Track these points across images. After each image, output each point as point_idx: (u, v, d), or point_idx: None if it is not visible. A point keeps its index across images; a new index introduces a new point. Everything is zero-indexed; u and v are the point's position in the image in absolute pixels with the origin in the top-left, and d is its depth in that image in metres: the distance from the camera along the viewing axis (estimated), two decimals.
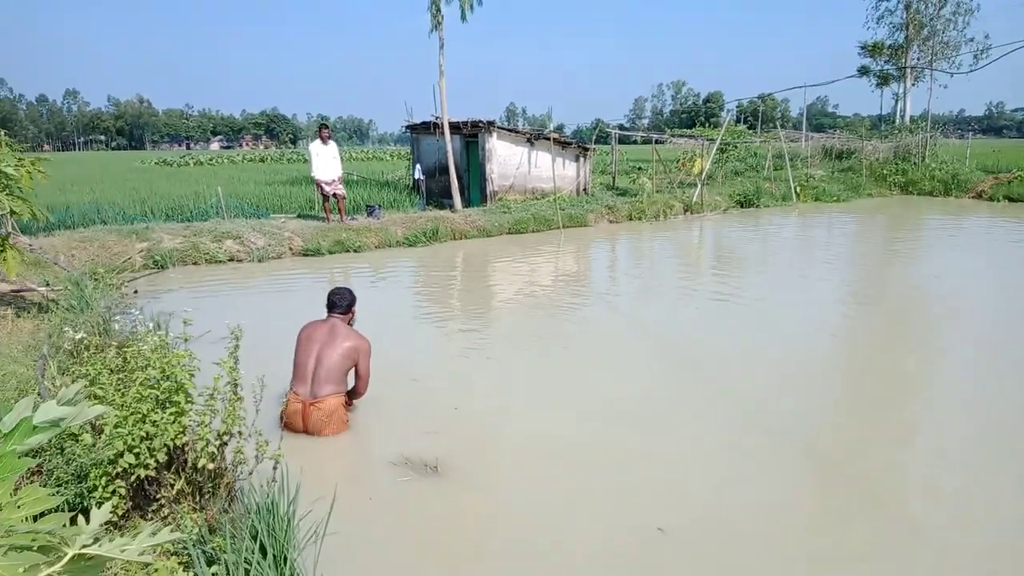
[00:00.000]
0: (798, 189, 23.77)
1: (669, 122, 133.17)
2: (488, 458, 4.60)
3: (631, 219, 18.35)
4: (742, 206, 21.78)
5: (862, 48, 38.04)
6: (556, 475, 4.36)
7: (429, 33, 16.88)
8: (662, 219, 18.84)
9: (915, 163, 27.61)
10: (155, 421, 3.15)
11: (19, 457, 1.51)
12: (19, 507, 1.34)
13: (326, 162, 14.05)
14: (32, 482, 2.98)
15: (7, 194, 6.47)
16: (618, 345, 7.31)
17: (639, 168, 23.48)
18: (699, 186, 20.73)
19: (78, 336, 3.31)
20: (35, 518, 1.43)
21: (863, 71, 38.88)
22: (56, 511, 1.43)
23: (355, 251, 13.29)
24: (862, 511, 3.96)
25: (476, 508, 3.98)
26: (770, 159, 26.19)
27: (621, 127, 28.59)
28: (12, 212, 6.69)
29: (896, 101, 40.20)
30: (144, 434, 3.09)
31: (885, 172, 27.08)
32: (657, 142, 24.59)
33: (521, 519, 3.89)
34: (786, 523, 3.85)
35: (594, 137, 23.04)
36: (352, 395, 5.10)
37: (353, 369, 5.01)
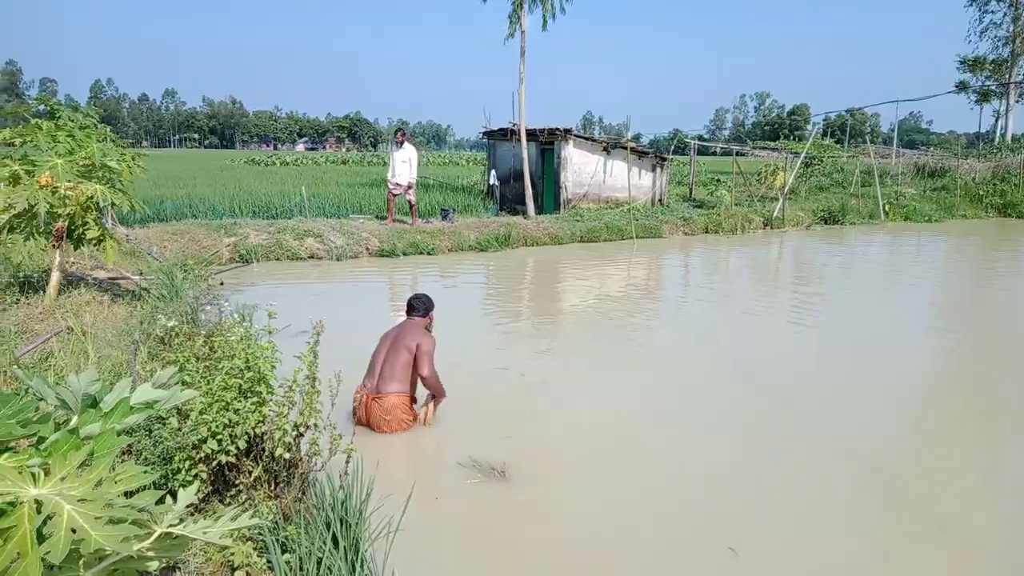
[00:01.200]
0: (887, 207, 22.76)
1: (751, 134, 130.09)
2: (556, 466, 4.56)
3: (707, 232, 17.97)
4: (826, 222, 21.01)
5: (961, 62, 36.24)
6: (625, 486, 4.29)
7: (506, 40, 17.05)
8: (740, 233, 18.37)
9: (1015, 184, 26.01)
10: (238, 409, 3.27)
11: (117, 435, 1.59)
12: (117, 482, 1.41)
13: (396, 165, 14.48)
14: (125, 460, 3.13)
15: (109, 186, 6.86)
16: (691, 360, 7.15)
17: (718, 180, 22.95)
18: (781, 200, 20.12)
19: (170, 324, 3.47)
20: (129, 494, 1.49)
21: (961, 86, 37.00)
22: (147, 489, 1.50)
23: (428, 253, 13.49)
24: (941, 548, 3.74)
25: (541, 516, 3.96)
26: (858, 175, 25.19)
27: (700, 138, 28.07)
28: (113, 204, 7.10)
29: (996, 119, 38.07)
30: (227, 421, 3.21)
31: (982, 193, 25.61)
32: (738, 154, 24.01)
33: (585, 530, 3.84)
34: (862, 555, 3.67)
35: (672, 147, 22.71)
36: (426, 388, 5.15)
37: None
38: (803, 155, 22.29)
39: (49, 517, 1.27)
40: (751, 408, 5.73)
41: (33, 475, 1.36)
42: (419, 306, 5.32)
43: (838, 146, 31.49)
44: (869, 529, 3.92)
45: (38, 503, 1.30)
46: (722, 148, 27.09)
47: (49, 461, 1.48)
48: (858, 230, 20.35)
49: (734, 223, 18.52)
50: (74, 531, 1.25)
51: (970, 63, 34.95)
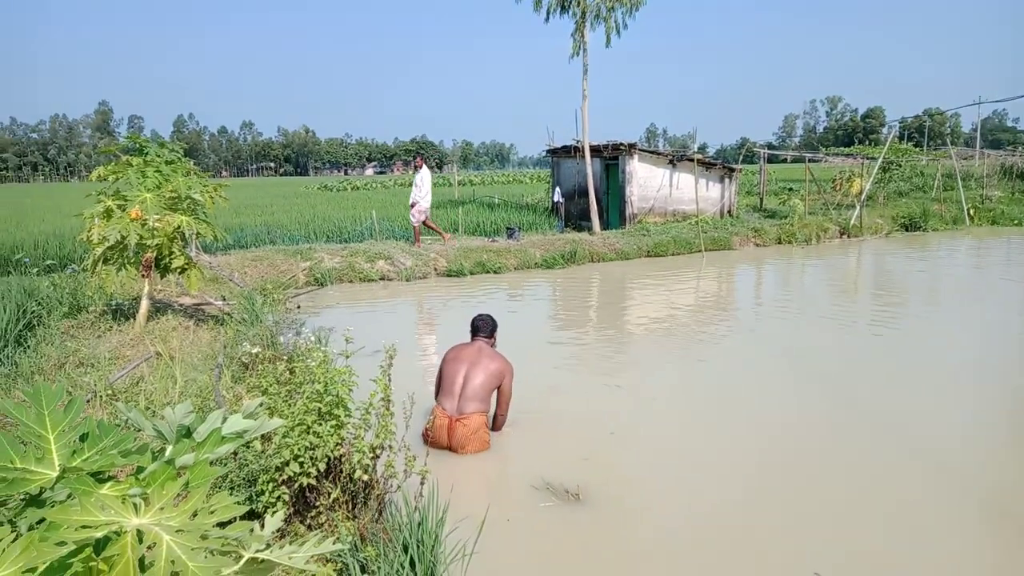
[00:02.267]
0: (971, 211, 21.65)
1: (823, 140, 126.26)
2: (632, 489, 4.48)
3: (780, 242, 17.49)
4: (907, 229, 20.15)
5: None
6: (703, 510, 4.18)
7: (570, 59, 17.16)
8: (815, 243, 17.79)
9: None
10: (318, 432, 3.35)
11: (211, 465, 1.65)
12: (211, 512, 1.46)
13: (413, 191, 14.70)
14: (216, 487, 3.25)
15: (193, 217, 7.21)
16: (769, 379, 6.93)
17: (790, 189, 22.32)
18: (858, 208, 19.40)
19: (254, 350, 3.60)
20: (221, 524, 1.55)
21: None
22: (237, 518, 1.55)
23: (495, 272, 13.59)
24: None
25: (616, 540, 3.89)
26: (939, 178, 24.05)
27: (770, 146, 27.38)
28: (198, 234, 7.44)
29: None
30: (308, 444, 3.29)
31: None
32: (811, 160, 23.30)
33: (662, 554, 3.75)
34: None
35: (740, 157, 22.24)
36: (495, 419, 5.19)
37: (496, 390, 5.11)
38: (880, 159, 21.44)
39: (149, 547, 1.32)
40: (833, 429, 5.50)
41: (135, 505, 1.43)
42: (484, 327, 5.34)
43: (917, 149, 30.17)
44: (967, 555, 3.69)
45: (139, 532, 1.36)
46: (793, 156, 26.29)
47: (147, 491, 1.55)
48: (941, 236, 19.43)
49: (808, 233, 17.96)
50: (172, 561, 1.30)
51: None
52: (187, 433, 1.73)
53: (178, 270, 7.39)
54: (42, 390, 1.73)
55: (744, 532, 3.91)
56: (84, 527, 1.33)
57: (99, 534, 1.33)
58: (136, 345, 6.40)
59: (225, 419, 1.75)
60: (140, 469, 1.66)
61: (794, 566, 3.54)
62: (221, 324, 7.87)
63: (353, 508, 3.76)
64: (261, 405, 1.97)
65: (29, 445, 1.61)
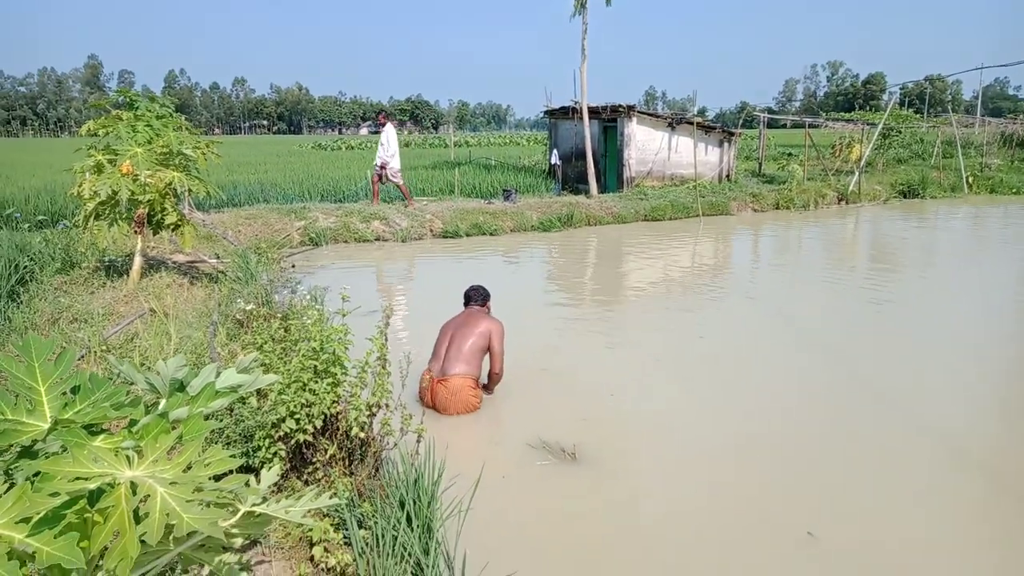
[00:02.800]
0: (970, 179, 21.57)
1: (823, 105, 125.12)
2: (628, 448, 4.51)
3: (778, 208, 17.42)
4: (905, 196, 20.08)
5: None
6: (698, 469, 4.21)
7: (571, 17, 16.80)
8: (813, 208, 17.72)
9: None
10: (314, 390, 3.35)
11: (204, 419, 1.63)
12: (206, 465, 1.44)
13: (378, 149, 14.15)
14: (211, 442, 3.24)
15: (186, 173, 7.10)
16: (764, 341, 6.95)
17: (790, 154, 22.12)
18: (856, 174, 19.29)
19: (248, 307, 3.56)
20: (216, 477, 1.53)
21: None
22: (232, 472, 1.54)
23: (491, 234, 13.51)
24: None
25: (611, 498, 3.92)
26: (939, 146, 23.89)
27: (769, 110, 27.11)
28: (190, 191, 7.34)
29: None
30: (304, 401, 3.29)
31: None
32: (811, 126, 23.09)
33: (658, 513, 3.79)
34: (950, 544, 3.50)
35: (740, 121, 22.02)
36: (490, 378, 5.21)
37: (488, 351, 5.12)
38: (880, 126, 21.26)
39: (143, 499, 1.31)
40: (828, 391, 5.54)
41: (128, 457, 1.41)
42: (476, 296, 5.40)
43: (917, 116, 29.91)
44: (958, 519, 3.74)
45: (133, 485, 1.34)
46: (793, 120, 26.05)
47: (141, 444, 1.53)
48: (939, 204, 19.39)
49: (806, 199, 17.88)
50: (167, 513, 1.28)
51: None
52: (180, 387, 1.71)
53: (171, 227, 7.31)
54: (32, 343, 1.70)
55: (740, 492, 3.95)
56: (77, 479, 1.31)
57: (92, 486, 1.31)
58: (130, 301, 6.36)
59: (219, 373, 1.73)
60: (133, 422, 1.64)
61: (789, 525, 3.59)
62: (215, 282, 7.82)
63: (350, 465, 3.77)
64: (255, 360, 1.94)
65: (20, 397, 1.58)
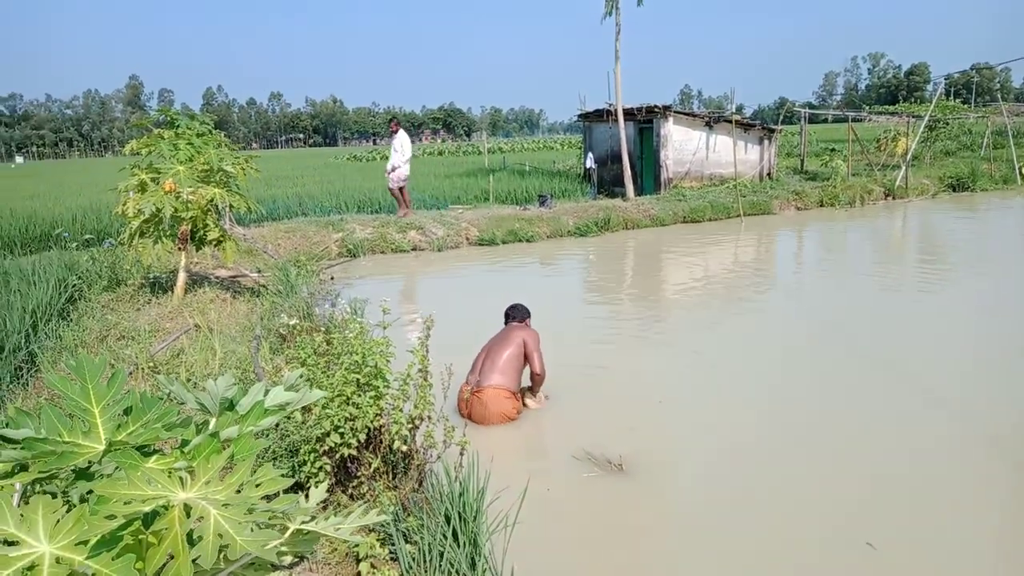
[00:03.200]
0: (1023, 170, 20.83)
1: (865, 98, 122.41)
2: (675, 459, 4.42)
3: (822, 205, 17.05)
4: (954, 190, 19.48)
5: None
6: (749, 480, 4.11)
7: (603, 19, 16.73)
8: (859, 205, 17.30)
9: None
10: (358, 404, 3.35)
11: (255, 438, 1.63)
12: (257, 486, 1.43)
13: (392, 156, 13.65)
14: (259, 458, 3.26)
15: (226, 189, 7.23)
16: (813, 346, 6.78)
17: (833, 150, 21.64)
18: (903, 168, 18.78)
19: (292, 322, 3.60)
20: (267, 496, 1.53)
21: None
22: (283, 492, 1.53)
23: (527, 241, 13.48)
24: None
25: (660, 511, 3.85)
26: (989, 136, 23.13)
27: (810, 105, 26.59)
28: (231, 206, 7.48)
29: None
30: (348, 415, 3.29)
31: None
32: (854, 120, 22.57)
33: (709, 526, 3.70)
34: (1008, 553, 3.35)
35: (780, 118, 21.64)
36: (533, 380, 5.19)
37: (525, 359, 5.11)
38: (927, 118, 20.68)
39: (197, 521, 1.30)
40: (881, 398, 5.36)
41: (181, 479, 1.41)
42: (516, 314, 5.46)
43: (965, 106, 29.03)
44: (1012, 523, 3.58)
45: (186, 507, 1.34)
46: (834, 115, 25.47)
47: (192, 464, 1.53)
48: (991, 197, 18.76)
49: (852, 195, 17.46)
50: (220, 535, 1.28)
51: None
52: (230, 406, 1.71)
53: (213, 242, 7.44)
54: (85, 363, 1.72)
55: (787, 501, 3.84)
56: (133, 501, 1.32)
57: (147, 508, 1.31)
58: (175, 317, 6.49)
59: (267, 391, 1.73)
60: (185, 442, 1.65)
61: (846, 539, 3.47)
62: (257, 296, 7.94)
63: (393, 478, 3.77)
64: (301, 376, 1.94)
65: (75, 419, 1.60)
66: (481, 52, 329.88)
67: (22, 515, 1.37)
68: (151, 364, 4.74)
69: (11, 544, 1.31)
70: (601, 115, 19.32)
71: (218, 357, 5.10)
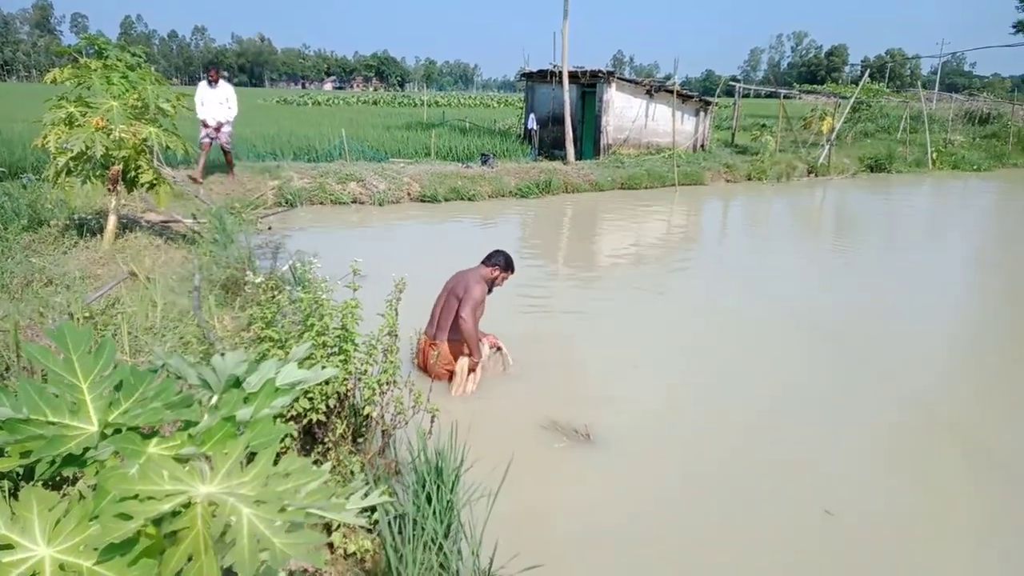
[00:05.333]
0: (934, 155, 21.94)
1: (786, 75, 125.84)
2: (637, 426, 4.46)
3: (750, 179, 17.48)
4: (872, 170, 20.34)
5: (1021, 0, 34.20)
6: (706, 444, 4.19)
7: None
8: (784, 181, 17.84)
9: None
10: (326, 367, 3.18)
11: (273, 422, 1.48)
12: (286, 476, 1.30)
13: (211, 108, 11.40)
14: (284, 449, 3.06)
15: (162, 129, 6.73)
16: (754, 315, 6.96)
17: (763, 125, 22.16)
18: (827, 147, 19.43)
19: (257, 280, 3.37)
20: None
21: (1020, 27, 35.01)
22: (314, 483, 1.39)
23: (469, 199, 13.29)
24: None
25: (634, 481, 3.87)
26: (906, 120, 24.19)
27: (734, 79, 27.05)
28: (167, 148, 6.98)
29: None
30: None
31: None
32: (785, 97, 23.12)
33: (671, 495, 3.76)
34: (944, 513, 3.55)
35: (718, 90, 21.94)
36: (471, 354, 5.00)
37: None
38: (852, 99, 21.40)
39: (227, 522, 1.16)
40: (832, 363, 5.58)
41: (199, 470, 1.26)
42: (492, 256, 5.14)
43: (887, 90, 30.23)
44: (947, 487, 3.80)
45: (211, 503, 1.20)
46: (768, 91, 26.02)
47: (202, 450, 1.38)
48: (905, 179, 19.70)
49: (779, 171, 17.97)
50: (257, 539, 1.14)
51: None
52: (236, 383, 1.55)
53: (146, 185, 6.94)
54: (68, 331, 1.52)
55: (747, 467, 3.94)
56: (150, 497, 1.16)
57: (167, 507, 1.16)
58: (106, 264, 6.05)
59: (279, 370, 1.57)
60: (188, 424, 1.48)
61: (805, 503, 3.60)
62: (192, 243, 7.51)
63: (355, 442, 3.65)
64: (310, 347, 1.79)
65: (60, 396, 1.41)
66: (418, 1, 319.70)
67: (13, 513, 1.19)
68: (87, 314, 4.39)
69: (4, 548, 1.13)
70: (545, 76, 19.05)
71: (159, 309, 4.78)
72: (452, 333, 4.88)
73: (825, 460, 4.14)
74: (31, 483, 1.39)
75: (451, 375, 4.92)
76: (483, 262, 5.16)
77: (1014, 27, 35.26)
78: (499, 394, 4.90)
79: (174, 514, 1.19)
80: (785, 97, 23.38)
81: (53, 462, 1.36)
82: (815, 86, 28.01)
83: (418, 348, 5.11)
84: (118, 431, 1.38)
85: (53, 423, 1.36)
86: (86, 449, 1.33)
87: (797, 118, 23.43)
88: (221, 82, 11.64)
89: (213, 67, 11.74)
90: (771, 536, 3.40)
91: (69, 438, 1.32)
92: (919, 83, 29.25)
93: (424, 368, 4.99)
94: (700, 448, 4.22)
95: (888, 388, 5.19)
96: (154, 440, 1.41)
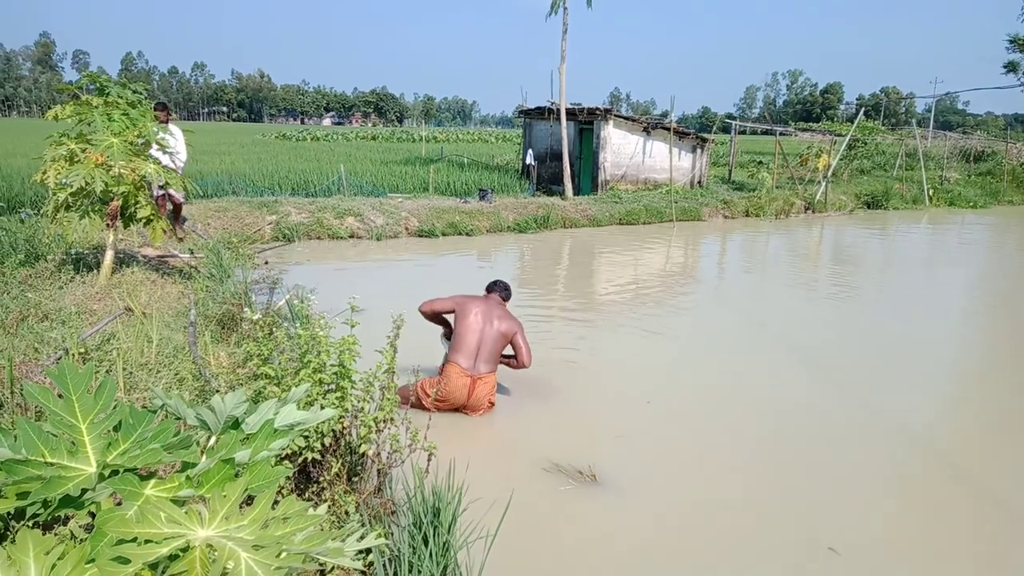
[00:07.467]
0: (930, 192, 22.17)
1: (782, 113, 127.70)
2: (643, 465, 4.41)
3: (747, 215, 17.61)
4: (869, 207, 20.52)
5: (1011, 42, 34.83)
6: (712, 489, 4.15)
7: (548, 16, 16.74)
8: (782, 217, 17.98)
9: None
10: (323, 405, 3.17)
11: (272, 464, 1.48)
12: (284, 520, 1.29)
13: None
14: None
15: (160, 165, 6.78)
16: (755, 353, 6.96)
17: (759, 162, 22.43)
18: (824, 184, 19.63)
19: (255, 317, 3.37)
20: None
21: (1010, 67, 35.59)
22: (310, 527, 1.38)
23: (467, 234, 13.36)
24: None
25: (642, 522, 3.83)
26: (902, 158, 24.51)
27: (730, 116, 27.47)
28: (167, 184, 7.03)
29: None
30: None
31: None
32: (781, 134, 23.43)
33: (693, 533, 3.71)
34: (947, 551, 3.51)
35: (715, 128, 22.23)
36: (511, 365, 5.22)
37: (510, 346, 5.13)
38: (848, 137, 21.69)
39: (225, 566, 1.15)
40: (816, 395, 5.56)
41: (198, 513, 1.25)
42: (500, 287, 5.38)
43: (883, 128, 30.69)
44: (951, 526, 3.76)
45: (209, 547, 1.19)
46: (764, 129, 26.38)
47: (199, 492, 1.37)
48: (902, 215, 19.86)
49: (776, 207, 18.11)
50: None
51: (1021, 43, 33.58)
52: (235, 424, 1.55)
53: (143, 221, 6.98)
54: (68, 370, 1.52)
55: (751, 506, 3.90)
56: (148, 541, 1.15)
57: (166, 550, 1.15)
58: (102, 299, 6.04)
59: (278, 410, 1.57)
60: (186, 465, 1.48)
61: (810, 541, 3.57)
62: (188, 278, 7.52)
63: (350, 481, 3.61)
64: (307, 389, 1.79)
65: (59, 437, 1.40)
66: (417, 38, 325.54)
67: (9, 557, 1.18)
68: (82, 350, 4.38)
69: None
70: (542, 112, 19.33)
71: (155, 345, 4.77)
72: (494, 366, 4.98)
73: (829, 497, 4.10)
74: (21, 523, 1.38)
75: (492, 404, 5.02)
76: (501, 295, 5.35)
77: (1005, 67, 35.80)
78: (498, 432, 4.87)
79: (172, 558, 1.19)
80: (781, 134, 23.69)
81: (49, 503, 1.35)
82: (811, 124, 28.39)
83: (456, 383, 4.83)
84: (116, 472, 1.37)
85: (51, 464, 1.35)
86: (84, 491, 1.32)
87: (793, 155, 23.73)
88: (169, 124, 9.13)
89: (161, 106, 9.14)
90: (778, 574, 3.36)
91: (67, 479, 1.32)
92: (914, 121, 29.70)
93: (464, 405, 4.90)
94: (705, 488, 4.17)
95: (891, 424, 5.17)
96: (152, 481, 1.41)
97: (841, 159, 21.89)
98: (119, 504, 1.35)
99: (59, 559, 1.17)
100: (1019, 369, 6.83)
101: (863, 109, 23.82)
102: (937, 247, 15.60)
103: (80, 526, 1.85)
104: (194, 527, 1.21)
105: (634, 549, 3.54)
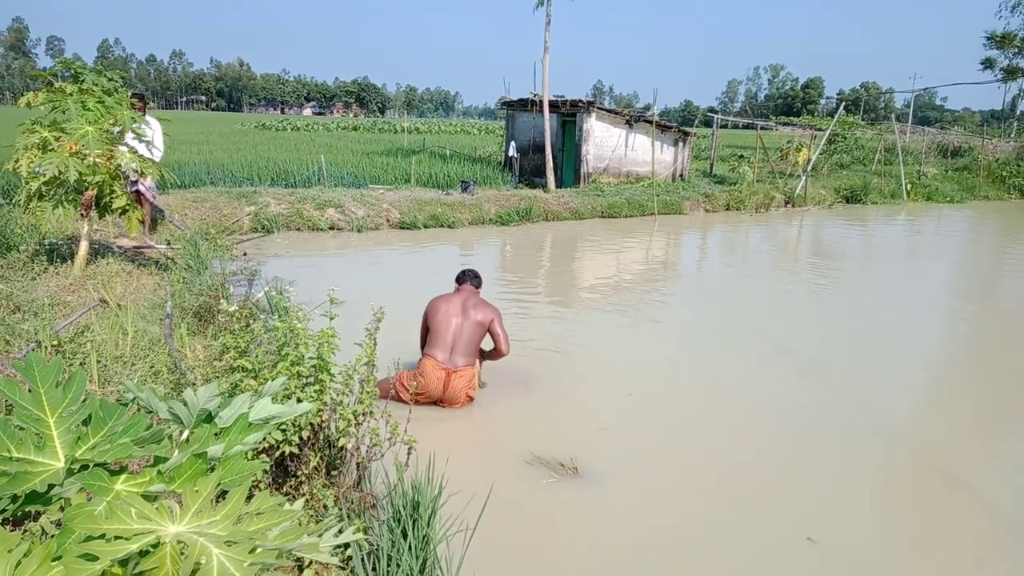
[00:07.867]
0: (908, 187, 22.43)
1: (763, 107, 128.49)
2: (624, 457, 4.43)
3: (728, 209, 17.71)
4: (848, 201, 20.72)
5: (988, 38, 35.26)
6: (693, 479, 4.18)
7: (535, 8, 16.67)
8: (763, 211, 18.10)
9: None
10: (301, 398, 3.14)
11: (247, 459, 1.45)
12: (258, 516, 1.27)
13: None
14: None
15: (136, 154, 6.68)
16: (735, 348, 7.00)
17: (741, 156, 22.55)
18: (803, 178, 19.79)
19: (231, 309, 3.32)
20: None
21: (987, 64, 36.05)
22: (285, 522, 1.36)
23: (449, 227, 13.31)
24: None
25: (625, 514, 3.84)
26: (880, 152, 24.76)
27: (711, 110, 27.57)
28: (142, 174, 6.92)
29: (1016, 97, 37.30)
30: None
31: (1004, 174, 25.25)
32: (762, 128, 23.56)
33: (674, 525, 3.73)
34: (928, 551, 3.57)
35: (697, 121, 22.30)
36: (493, 357, 5.23)
37: (488, 336, 5.12)
38: (828, 132, 21.87)
39: (197, 562, 1.13)
40: (799, 389, 5.62)
41: (169, 508, 1.22)
42: (470, 276, 5.35)
43: (863, 123, 30.97)
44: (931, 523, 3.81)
45: (180, 543, 1.16)
46: (745, 123, 26.54)
47: (171, 487, 1.34)
48: (880, 210, 20.07)
49: (757, 201, 18.23)
50: None
51: (998, 39, 34.02)
52: (208, 418, 1.52)
53: (119, 211, 6.86)
54: (35, 362, 1.48)
55: (724, 496, 3.93)
56: (117, 537, 1.12)
57: (135, 547, 1.12)
58: (77, 290, 5.94)
59: (252, 404, 1.55)
60: (158, 459, 1.45)
61: (789, 531, 3.60)
62: (165, 270, 7.41)
63: (328, 475, 3.58)
64: (283, 383, 1.77)
65: (26, 430, 1.37)
66: (399, 29, 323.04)
67: None
68: (55, 343, 4.30)
69: None
70: (525, 104, 19.28)
71: (130, 337, 4.70)
72: (473, 358, 4.97)
73: (809, 486, 4.15)
74: None
75: (471, 398, 4.99)
76: (472, 284, 5.32)
77: (982, 64, 36.19)
78: (480, 425, 4.86)
79: (142, 554, 1.16)
80: (762, 128, 23.82)
81: (16, 499, 1.32)
82: (791, 118, 28.62)
83: (432, 377, 4.81)
84: (85, 467, 1.34)
85: (17, 459, 1.32)
86: (51, 486, 1.29)
87: (774, 149, 23.87)
88: (146, 115, 8.58)
89: (138, 96, 8.51)
90: (757, 563, 3.39)
91: (34, 475, 1.29)
92: (893, 116, 29.99)
93: (440, 399, 4.86)
94: (686, 479, 4.20)
95: (872, 418, 5.22)
96: (122, 477, 1.38)
97: (821, 153, 22.06)
98: (90, 500, 1.32)
99: (24, 556, 1.14)
100: (998, 361, 6.94)
101: (843, 104, 24.06)
102: (916, 240, 15.80)
103: (52, 522, 1.82)
104: (165, 523, 1.18)
105: (616, 541, 3.55)
